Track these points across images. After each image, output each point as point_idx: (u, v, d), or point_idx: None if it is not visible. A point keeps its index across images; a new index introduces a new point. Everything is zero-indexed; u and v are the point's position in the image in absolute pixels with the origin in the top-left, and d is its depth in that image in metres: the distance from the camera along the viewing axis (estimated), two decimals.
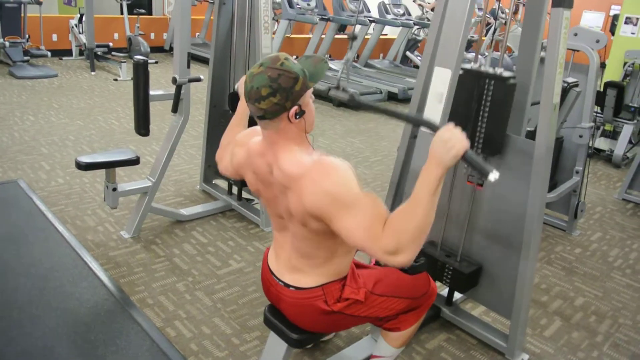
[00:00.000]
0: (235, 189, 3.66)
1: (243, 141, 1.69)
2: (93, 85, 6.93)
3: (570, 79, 3.14)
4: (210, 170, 3.83)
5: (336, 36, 8.48)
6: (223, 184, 3.86)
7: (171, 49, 9.70)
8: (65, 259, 2.87)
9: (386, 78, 8.10)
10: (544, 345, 2.50)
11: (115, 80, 7.30)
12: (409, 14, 8.76)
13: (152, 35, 9.58)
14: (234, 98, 3.33)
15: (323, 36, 8.09)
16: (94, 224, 3.26)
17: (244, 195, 3.61)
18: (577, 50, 3.53)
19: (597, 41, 3.47)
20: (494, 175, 1.32)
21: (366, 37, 8.84)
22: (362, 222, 1.38)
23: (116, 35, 9.04)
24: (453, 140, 1.35)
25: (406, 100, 7.88)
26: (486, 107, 2.20)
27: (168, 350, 2.25)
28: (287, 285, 1.69)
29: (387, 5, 8.42)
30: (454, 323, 2.55)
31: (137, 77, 2.80)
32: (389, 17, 8.34)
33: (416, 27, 8.86)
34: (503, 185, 2.32)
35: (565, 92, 2.99)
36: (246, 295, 2.68)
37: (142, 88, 2.81)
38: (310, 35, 8.83)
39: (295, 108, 1.44)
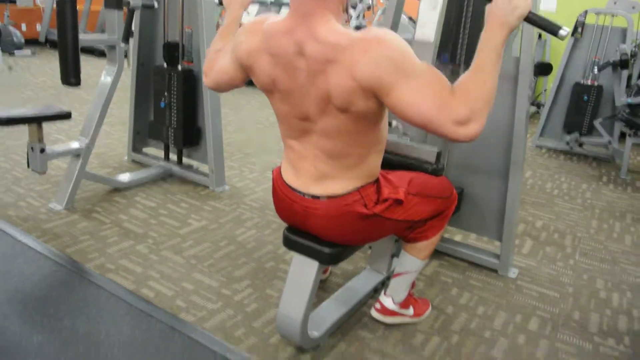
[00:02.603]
0: (173, 155, 3.30)
1: (253, 27, 1.44)
2: None
3: None
4: (140, 137, 3.42)
5: None
6: (156, 151, 3.47)
7: (47, 41, 8.72)
8: None
9: None
10: (526, 260, 2.53)
11: None
12: None
13: (24, 27, 8.53)
14: (171, 48, 3.00)
15: (220, 20, 7.74)
16: (13, 200, 2.74)
17: (185, 160, 3.27)
18: (616, 15, 4.25)
19: (633, 7, 4.19)
20: (564, 31, 1.27)
21: None
22: (428, 89, 1.24)
23: None
24: (516, 0, 1.26)
25: None
26: (468, 18, 2.17)
27: (151, 310, 1.91)
28: (317, 197, 1.50)
29: None
30: (440, 250, 2.49)
31: (62, 16, 2.37)
32: None
33: None
34: None
35: None
36: (220, 249, 2.39)
37: (69, 28, 2.38)
38: None
39: None
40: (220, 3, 1.86)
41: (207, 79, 1.65)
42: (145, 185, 3.07)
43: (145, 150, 3.49)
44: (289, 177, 1.56)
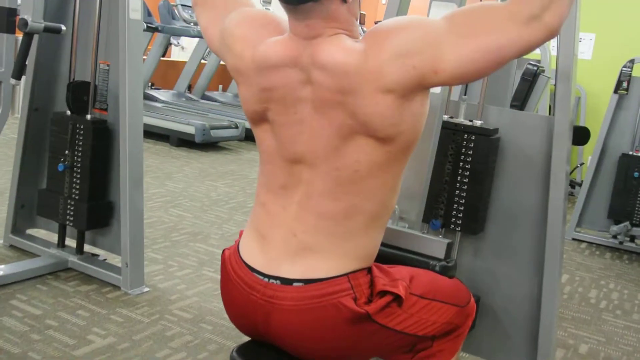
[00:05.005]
0: (70, 240, 3.25)
1: (249, 36, 1.50)
2: None
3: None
4: (25, 212, 3.36)
5: (162, 58, 8.36)
6: (46, 234, 3.41)
7: None
8: None
9: (235, 112, 8.07)
10: None
11: None
12: None
13: None
14: (79, 89, 3.01)
15: (144, 57, 7.90)
16: None
17: (87, 248, 3.22)
18: None
19: None
20: None
21: (202, 61, 8.85)
22: (473, 26, 1.32)
23: None
24: None
25: None
26: (466, 170, 2.30)
27: None
28: (289, 282, 1.47)
29: None
30: None
31: None
32: (178, 23, 8.29)
33: None
34: (503, 183, 2.34)
35: (534, 76, 3.24)
36: None
37: None
38: None
39: None
40: None
41: (199, 14, 1.69)
42: (28, 282, 2.98)
43: (31, 231, 3.43)
44: (251, 253, 1.53)
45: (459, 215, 2.29)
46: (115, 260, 3.17)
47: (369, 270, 1.53)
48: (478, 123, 2.29)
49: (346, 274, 1.46)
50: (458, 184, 2.29)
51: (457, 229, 2.31)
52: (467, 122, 2.29)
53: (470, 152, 2.26)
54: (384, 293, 1.50)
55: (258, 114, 1.50)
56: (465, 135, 2.27)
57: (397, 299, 1.51)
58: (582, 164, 6.30)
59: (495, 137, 2.29)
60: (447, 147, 2.28)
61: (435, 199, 2.31)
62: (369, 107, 1.35)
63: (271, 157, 1.51)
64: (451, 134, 2.29)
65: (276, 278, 1.47)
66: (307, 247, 1.47)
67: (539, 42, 1.30)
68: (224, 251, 1.63)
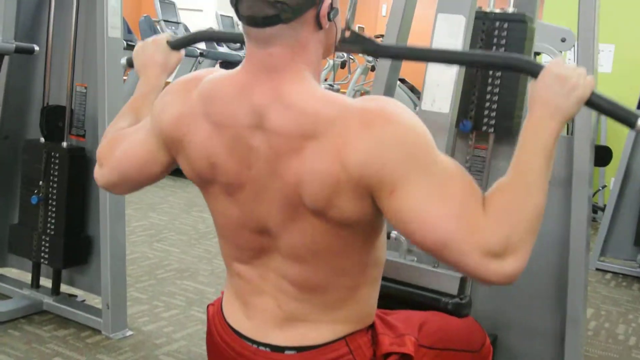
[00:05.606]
0: (45, 279, 3.24)
1: (186, 86, 1.42)
2: None
3: None
4: None
5: None
6: (19, 273, 3.41)
7: None
8: None
9: None
10: None
11: None
12: None
13: None
14: (53, 114, 3.01)
15: (125, 77, 7.95)
16: None
17: (64, 288, 3.21)
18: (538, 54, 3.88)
19: (563, 40, 3.78)
20: None
21: None
22: (451, 193, 1.23)
23: None
24: (574, 78, 1.32)
25: None
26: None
27: None
28: (280, 349, 1.43)
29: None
30: None
31: None
32: (222, 49, 8.51)
33: None
34: None
35: None
36: None
37: None
38: None
39: (327, 1, 1.29)
40: (130, 65, 1.89)
41: (103, 170, 1.58)
42: None
43: (2, 271, 3.42)
44: (236, 317, 1.50)
45: (491, 115, 2.26)
46: (95, 301, 3.16)
47: (370, 325, 1.50)
48: (510, 10, 2.27)
49: (343, 337, 1.43)
50: (490, 80, 2.26)
51: (489, 130, 2.28)
52: (498, 10, 2.29)
53: (503, 42, 2.23)
54: (390, 354, 1.48)
55: (207, 173, 1.38)
56: (497, 24, 2.24)
57: (405, 356, 1.49)
58: (604, 186, 6.29)
59: (531, 26, 2.25)
60: (476, 40, 2.24)
61: (465, 98, 2.26)
62: (313, 162, 1.25)
63: (232, 228, 1.44)
64: (481, 23, 2.24)
65: (265, 345, 1.44)
66: (294, 317, 1.43)
67: (485, 281, 1.23)
68: (208, 307, 1.60)
